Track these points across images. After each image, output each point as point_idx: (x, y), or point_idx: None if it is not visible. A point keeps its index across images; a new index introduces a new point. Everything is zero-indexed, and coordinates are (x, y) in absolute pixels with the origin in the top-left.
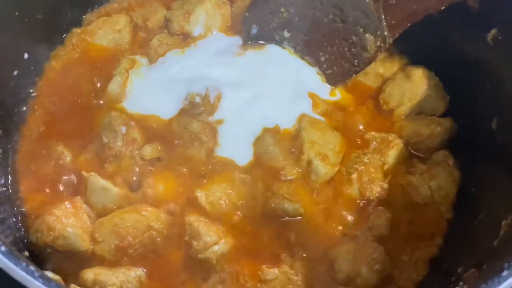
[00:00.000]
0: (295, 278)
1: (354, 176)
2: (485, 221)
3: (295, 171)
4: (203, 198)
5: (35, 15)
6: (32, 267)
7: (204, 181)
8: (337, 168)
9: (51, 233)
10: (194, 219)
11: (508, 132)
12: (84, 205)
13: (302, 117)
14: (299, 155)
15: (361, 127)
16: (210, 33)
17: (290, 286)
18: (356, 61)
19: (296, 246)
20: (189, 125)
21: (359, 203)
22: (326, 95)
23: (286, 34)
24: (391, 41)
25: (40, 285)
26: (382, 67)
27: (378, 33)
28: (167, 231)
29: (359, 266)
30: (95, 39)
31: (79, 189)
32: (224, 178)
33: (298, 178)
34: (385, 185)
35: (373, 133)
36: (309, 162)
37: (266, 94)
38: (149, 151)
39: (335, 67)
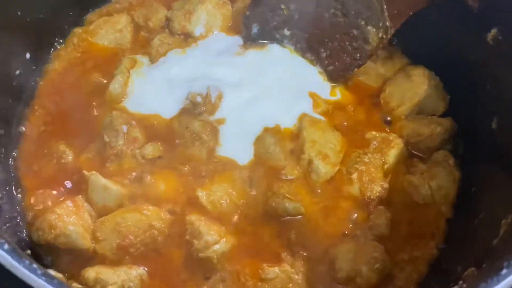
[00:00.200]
0: (296, 277)
1: (355, 175)
2: (485, 220)
3: (295, 170)
4: (204, 198)
5: (37, 15)
6: (35, 265)
7: (205, 180)
8: (337, 168)
9: (52, 231)
10: (195, 218)
11: (508, 132)
12: (85, 204)
13: (303, 117)
14: (299, 155)
15: (361, 127)
16: (211, 33)
17: (290, 285)
18: (358, 54)
19: (297, 245)
20: (190, 125)
21: (359, 202)
22: (327, 94)
23: (287, 32)
24: (393, 31)
25: (43, 282)
26: (382, 67)
27: (380, 24)
28: (168, 230)
29: (359, 265)
30: (96, 39)
31: (81, 188)
32: (225, 177)
33: (299, 178)
34: (386, 185)
35: (373, 132)
36: (310, 162)
37: (267, 93)
38: (150, 150)
39: (336, 63)
